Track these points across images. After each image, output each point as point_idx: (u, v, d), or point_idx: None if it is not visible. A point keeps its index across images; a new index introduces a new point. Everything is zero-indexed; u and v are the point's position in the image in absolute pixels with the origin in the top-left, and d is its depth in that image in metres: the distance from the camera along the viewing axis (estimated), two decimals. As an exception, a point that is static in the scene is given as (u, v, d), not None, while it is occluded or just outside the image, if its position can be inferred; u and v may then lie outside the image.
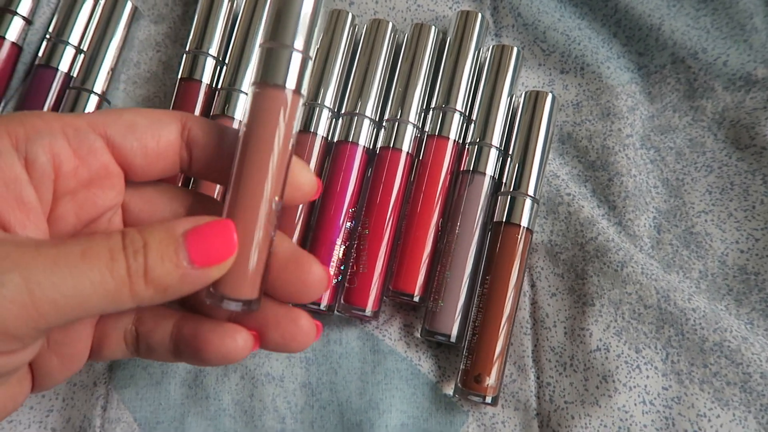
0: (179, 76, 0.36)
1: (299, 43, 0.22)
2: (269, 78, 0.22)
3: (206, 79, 0.36)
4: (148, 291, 0.19)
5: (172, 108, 0.35)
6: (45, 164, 0.20)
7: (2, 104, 0.36)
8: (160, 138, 0.22)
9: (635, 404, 0.31)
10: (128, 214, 0.23)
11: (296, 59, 0.22)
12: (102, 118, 0.22)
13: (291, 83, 0.22)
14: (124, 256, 0.19)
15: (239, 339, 0.22)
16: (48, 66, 0.36)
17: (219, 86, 0.36)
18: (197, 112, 0.35)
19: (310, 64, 0.23)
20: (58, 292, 0.17)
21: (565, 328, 0.33)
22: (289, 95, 0.22)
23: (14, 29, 0.36)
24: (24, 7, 0.37)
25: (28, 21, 0.37)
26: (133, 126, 0.22)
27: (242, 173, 0.22)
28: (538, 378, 0.32)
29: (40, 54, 0.37)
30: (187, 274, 0.19)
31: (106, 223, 0.23)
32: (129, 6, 0.37)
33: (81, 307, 0.18)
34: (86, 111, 0.35)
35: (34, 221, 0.20)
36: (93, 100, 0.36)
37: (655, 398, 0.31)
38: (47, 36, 0.37)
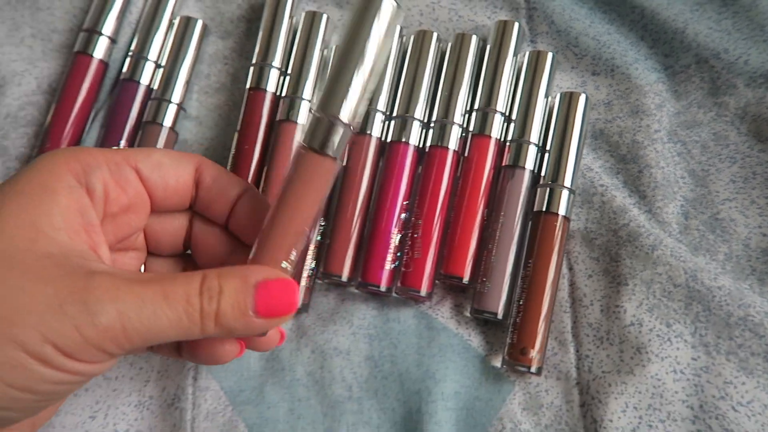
0: (247, 86, 0.40)
1: (345, 115, 0.25)
2: (313, 143, 0.25)
3: (271, 88, 0.40)
4: (215, 330, 0.23)
5: (242, 115, 0.40)
6: (100, 193, 0.25)
7: (93, 114, 0.41)
8: (179, 177, 0.27)
9: (666, 373, 0.34)
10: (147, 235, 0.29)
11: (340, 131, 0.25)
12: (134, 154, 0.26)
13: (330, 151, 0.25)
14: (200, 300, 0.22)
15: (227, 345, 0.27)
16: (131, 80, 0.41)
17: (283, 94, 0.40)
18: (264, 117, 0.39)
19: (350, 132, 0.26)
20: (143, 325, 0.21)
21: (601, 306, 0.36)
22: (328, 162, 0.25)
23: (101, 48, 0.41)
24: (108, 28, 0.41)
25: (113, 40, 0.42)
26: (160, 164, 0.27)
27: (278, 217, 0.25)
28: (577, 351, 0.36)
29: (124, 69, 0.41)
30: (251, 322, 0.23)
31: (134, 241, 0.28)
32: (200, 24, 0.42)
33: (159, 337, 0.22)
34: (166, 119, 0.40)
35: (101, 242, 0.24)
36: (171, 110, 0.40)
37: (685, 368, 0.34)
38: (130, 53, 0.41)
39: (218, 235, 0.29)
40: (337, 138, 0.25)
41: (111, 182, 0.25)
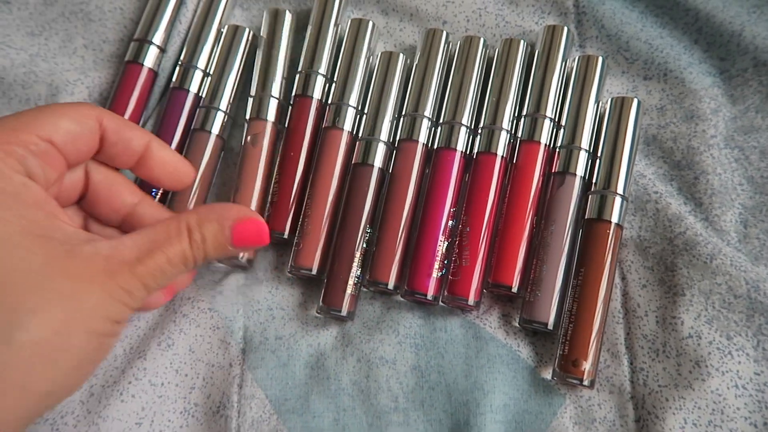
0: (293, 93, 0.40)
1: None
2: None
3: (317, 95, 0.40)
4: (203, 261, 0.30)
5: (288, 121, 0.40)
6: (41, 176, 0.28)
7: (142, 120, 0.42)
8: (87, 140, 0.30)
9: (728, 388, 0.32)
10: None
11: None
12: (45, 130, 0.28)
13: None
14: (192, 253, 0.29)
15: (154, 297, 0.34)
16: (181, 88, 0.41)
17: (329, 101, 0.40)
18: (310, 124, 0.39)
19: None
20: (159, 284, 0.28)
21: (656, 317, 0.35)
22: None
23: (150, 57, 0.42)
24: (158, 38, 0.42)
25: (162, 49, 0.42)
26: (68, 132, 0.29)
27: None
28: (631, 364, 0.35)
29: (173, 78, 0.42)
30: (229, 252, 0.30)
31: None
32: (246, 33, 0.42)
33: (177, 273, 0.29)
34: (214, 126, 0.40)
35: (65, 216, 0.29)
36: (219, 117, 0.40)
37: (747, 383, 0.33)
38: (180, 62, 0.42)
39: (123, 185, 0.33)
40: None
41: (42, 164, 0.28)
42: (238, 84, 0.42)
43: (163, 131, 0.40)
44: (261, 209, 0.39)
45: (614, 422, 0.34)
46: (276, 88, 0.40)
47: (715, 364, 0.33)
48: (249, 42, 0.42)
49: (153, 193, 0.39)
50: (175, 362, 0.36)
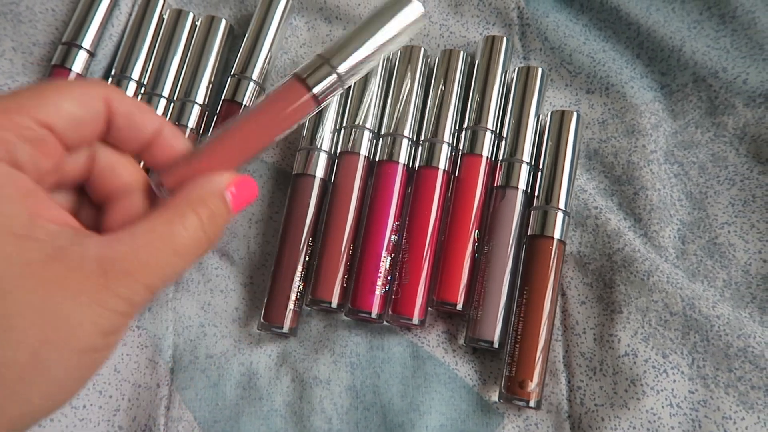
0: (222, 98, 0.39)
1: (341, 68, 0.31)
2: (303, 75, 0.30)
3: (246, 101, 0.39)
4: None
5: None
6: (29, 164, 0.24)
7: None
8: (92, 126, 0.26)
9: (663, 407, 0.32)
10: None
11: (329, 77, 0.30)
12: (44, 113, 0.24)
13: (315, 89, 0.30)
14: (206, 237, 0.26)
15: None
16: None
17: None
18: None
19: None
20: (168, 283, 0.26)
21: (594, 334, 0.35)
22: (309, 98, 0.30)
23: (79, 61, 0.40)
24: (88, 42, 0.40)
25: (92, 54, 0.40)
26: (70, 116, 0.25)
27: (243, 128, 0.29)
28: (569, 382, 0.34)
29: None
30: (230, 219, 0.27)
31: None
32: (183, 40, 0.40)
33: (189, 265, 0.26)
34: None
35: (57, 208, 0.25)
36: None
37: (681, 401, 0.32)
38: (112, 74, 0.40)
39: (128, 169, 0.28)
40: (325, 81, 0.30)
41: (35, 152, 0.24)
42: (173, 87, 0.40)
43: None
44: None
45: (551, 442, 0.33)
46: (201, 94, 0.39)
47: (650, 382, 0.33)
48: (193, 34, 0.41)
49: None
50: (98, 383, 0.34)
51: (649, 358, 0.33)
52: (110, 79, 0.40)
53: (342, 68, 0.30)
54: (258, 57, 0.39)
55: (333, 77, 0.30)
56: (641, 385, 0.33)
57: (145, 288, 0.23)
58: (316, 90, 0.29)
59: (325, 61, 0.30)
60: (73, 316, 0.21)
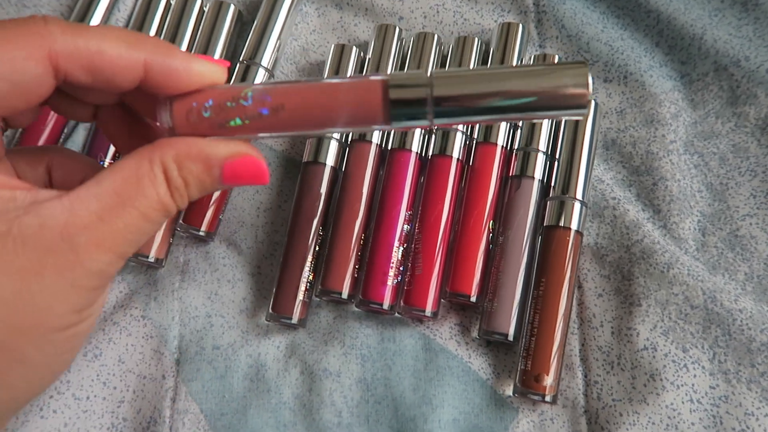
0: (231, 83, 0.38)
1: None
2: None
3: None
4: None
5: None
6: None
7: (69, 126, 0.39)
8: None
9: (683, 402, 0.31)
10: None
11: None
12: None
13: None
14: (173, 201, 0.22)
15: None
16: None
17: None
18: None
19: None
20: (134, 247, 0.21)
21: (612, 327, 0.34)
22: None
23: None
24: (96, 21, 0.39)
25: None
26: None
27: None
28: (585, 376, 0.33)
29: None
30: (216, 189, 0.23)
31: None
32: (190, 29, 0.40)
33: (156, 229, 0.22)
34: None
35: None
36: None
37: (702, 397, 0.31)
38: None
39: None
40: (412, 120, 0.23)
41: None
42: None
43: (97, 144, 0.38)
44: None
45: (567, 437, 0.32)
46: None
47: (670, 377, 0.32)
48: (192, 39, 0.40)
49: (101, 163, 0.37)
50: (102, 374, 0.33)
51: (669, 353, 0.32)
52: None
53: (442, 111, 0.22)
54: (267, 43, 0.38)
55: (422, 119, 0.23)
56: (661, 380, 0.32)
57: (118, 257, 0.21)
58: (395, 124, 0.23)
59: (429, 95, 0.22)
60: (41, 300, 0.19)
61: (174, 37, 0.39)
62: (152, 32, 0.40)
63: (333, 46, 0.38)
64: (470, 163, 0.36)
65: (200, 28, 0.40)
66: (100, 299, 0.22)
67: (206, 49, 0.39)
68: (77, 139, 0.39)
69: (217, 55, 0.39)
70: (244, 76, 0.38)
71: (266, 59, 0.38)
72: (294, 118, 0.22)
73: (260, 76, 0.38)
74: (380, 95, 0.22)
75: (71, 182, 0.25)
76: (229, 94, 0.22)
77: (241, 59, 0.38)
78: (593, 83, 0.39)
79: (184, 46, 0.39)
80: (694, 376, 0.32)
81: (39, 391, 0.22)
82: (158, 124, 0.24)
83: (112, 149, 0.37)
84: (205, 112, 0.22)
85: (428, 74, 0.22)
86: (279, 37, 0.39)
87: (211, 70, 0.23)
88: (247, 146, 0.23)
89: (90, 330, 0.22)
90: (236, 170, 0.22)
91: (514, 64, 0.37)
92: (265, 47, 0.38)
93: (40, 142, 0.37)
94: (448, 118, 0.23)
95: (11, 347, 0.19)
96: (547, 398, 0.32)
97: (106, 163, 0.37)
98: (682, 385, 0.32)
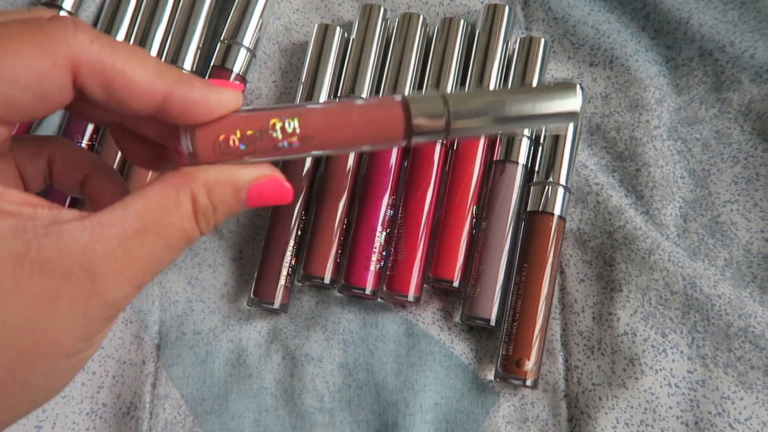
0: (212, 64, 0.37)
1: None
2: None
3: (237, 68, 0.37)
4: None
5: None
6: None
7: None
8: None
9: (661, 386, 0.32)
10: None
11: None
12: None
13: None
14: (198, 227, 0.21)
15: None
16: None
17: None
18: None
19: None
20: (153, 275, 0.21)
21: (593, 313, 0.34)
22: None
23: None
24: (69, 2, 0.38)
25: (72, 15, 0.38)
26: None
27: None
28: (566, 361, 0.34)
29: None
30: (238, 212, 0.23)
31: None
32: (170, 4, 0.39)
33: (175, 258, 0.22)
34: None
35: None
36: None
37: (680, 381, 0.32)
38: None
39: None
40: (429, 135, 0.25)
41: None
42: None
43: (74, 125, 0.36)
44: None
45: (547, 421, 0.33)
46: (189, 60, 0.37)
47: (649, 362, 0.32)
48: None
49: (79, 144, 0.36)
50: (81, 359, 0.33)
51: (648, 337, 0.32)
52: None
53: (457, 126, 0.25)
54: (249, 22, 0.37)
55: (440, 134, 0.25)
56: (640, 364, 0.32)
57: (135, 288, 0.20)
58: (414, 139, 0.25)
59: (446, 112, 0.25)
60: (52, 329, 0.18)
61: (153, 13, 0.38)
62: (131, 9, 0.38)
63: (316, 25, 0.38)
64: (454, 148, 0.36)
65: (180, 5, 0.39)
66: (109, 326, 0.21)
67: (186, 28, 0.38)
68: (53, 120, 0.38)
69: (196, 34, 0.38)
70: (225, 55, 0.37)
71: (248, 39, 0.37)
72: (320, 145, 0.23)
73: (242, 57, 0.37)
74: (402, 122, 0.24)
75: (70, 176, 0.25)
76: (255, 124, 0.22)
77: (222, 38, 0.37)
78: (581, 84, 0.39)
79: (163, 24, 0.38)
80: (673, 360, 0.32)
81: (36, 408, 0.21)
82: (179, 149, 0.24)
83: (89, 131, 0.36)
84: (237, 144, 0.22)
85: (442, 98, 0.25)
86: (261, 16, 0.38)
87: (228, 99, 0.22)
88: (270, 168, 0.23)
89: (89, 358, 0.21)
90: (262, 192, 0.23)
91: (500, 46, 0.36)
92: (247, 26, 0.37)
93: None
94: (460, 134, 0.26)
95: (18, 373, 0.19)
96: (528, 383, 0.32)
97: (83, 145, 0.36)
98: (660, 370, 0.32)
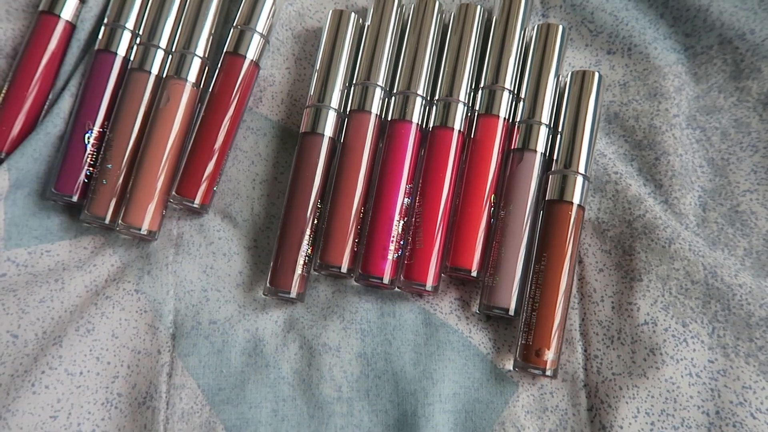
0: (224, 50, 0.37)
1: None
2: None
3: (251, 55, 0.36)
4: None
5: (214, 83, 0.36)
6: None
7: (63, 79, 0.37)
8: None
9: (682, 376, 0.32)
10: None
11: None
12: None
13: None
14: None
15: None
16: (107, 50, 0.36)
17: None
18: (238, 85, 0.36)
19: None
20: None
21: (612, 302, 0.34)
22: None
23: (69, 8, 0.37)
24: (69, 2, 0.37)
25: (82, 0, 0.38)
26: None
27: None
28: (585, 351, 0.33)
29: (99, 38, 0.37)
30: None
31: None
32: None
33: None
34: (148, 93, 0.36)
35: None
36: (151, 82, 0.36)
37: (701, 371, 0.32)
38: (104, 22, 0.37)
39: None
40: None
41: None
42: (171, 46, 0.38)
43: (88, 97, 0.36)
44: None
45: (566, 411, 0.32)
46: (201, 46, 0.36)
47: (669, 351, 0.32)
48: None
49: (89, 133, 0.35)
50: (95, 349, 0.32)
51: (669, 327, 0.32)
52: (102, 28, 0.37)
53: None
54: (262, 8, 0.37)
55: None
56: (660, 354, 0.32)
57: None
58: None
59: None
60: None
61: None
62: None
63: (330, 11, 0.37)
64: (472, 136, 0.35)
65: (191, -10, 0.38)
66: None
67: (198, 13, 0.37)
68: (63, 106, 0.37)
69: (209, 20, 0.37)
70: (238, 42, 0.36)
71: (261, 25, 0.37)
72: None
73: (255, 43, 0.36)
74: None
75: None
76: None
77: (234, 24, 0.37)
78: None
79: (174, 9, 0.37)
80: (694, 350, 0.32)
81: None
82: None
83: (100, 117, 0.36)
84: None
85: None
86: (274, 2, 0.37)
87: None
88: None
89: None
90: None
91: (517, 33, 0.36)
92: (260, 12, 0.37)
93: (24, 110, 0.36)
94: None
95: None
96: (548, 372, 0.32)
97: (95, 132, 0.36)
98: (681, 359, 0.32)
